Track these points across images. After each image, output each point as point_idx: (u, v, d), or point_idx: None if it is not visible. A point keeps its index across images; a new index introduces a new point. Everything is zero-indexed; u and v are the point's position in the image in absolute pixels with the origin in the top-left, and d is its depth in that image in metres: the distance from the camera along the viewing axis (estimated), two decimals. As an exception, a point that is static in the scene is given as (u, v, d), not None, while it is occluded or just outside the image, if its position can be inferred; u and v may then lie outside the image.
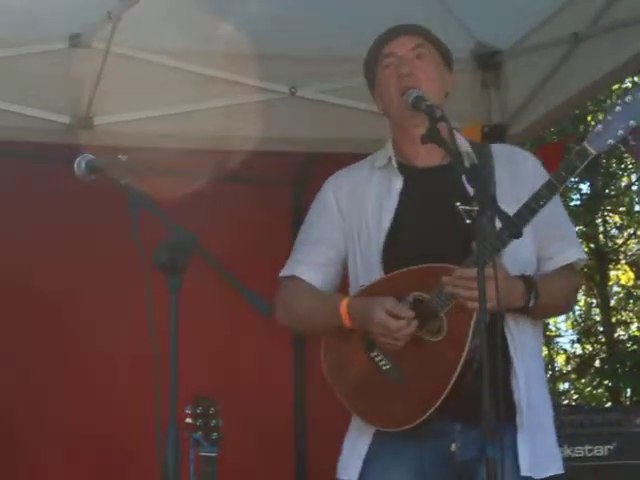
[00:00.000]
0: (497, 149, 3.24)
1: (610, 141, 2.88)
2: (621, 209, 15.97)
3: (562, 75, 4.80)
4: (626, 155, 13.41)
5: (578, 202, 15.31)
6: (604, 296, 15.85)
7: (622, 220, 16.01)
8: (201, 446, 3.80)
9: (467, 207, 2.65)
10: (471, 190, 2.71)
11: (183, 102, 4.77)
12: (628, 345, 15.41)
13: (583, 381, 16.74)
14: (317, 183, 3.35)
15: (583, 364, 16.46)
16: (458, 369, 2.89)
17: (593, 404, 15.51)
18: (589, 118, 12.84)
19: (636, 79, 13.43)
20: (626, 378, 13.98)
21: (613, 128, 2.88)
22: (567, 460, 4.83)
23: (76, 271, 5.28)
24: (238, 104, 4.83)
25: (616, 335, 15.85)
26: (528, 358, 3.01)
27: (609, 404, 14.86)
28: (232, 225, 5.38)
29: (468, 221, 2.66)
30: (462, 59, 4.80)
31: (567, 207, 14.96)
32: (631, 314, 16.52)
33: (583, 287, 16.91)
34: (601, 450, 4.93)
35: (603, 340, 16.08)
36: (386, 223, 3.09)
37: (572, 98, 4.88)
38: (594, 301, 16.86)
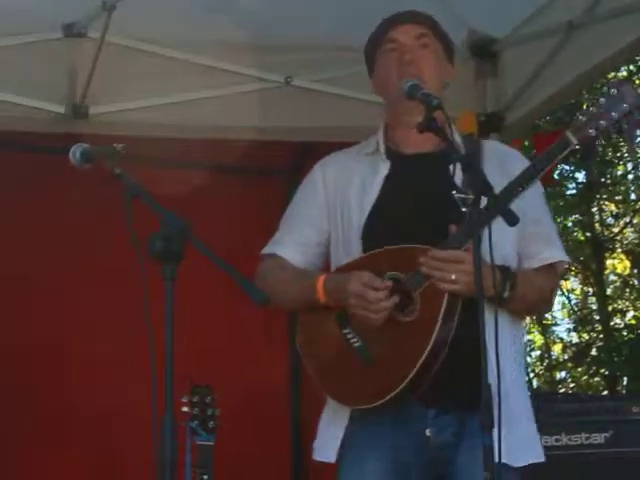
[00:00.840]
0: (489, 145, 3.26)
1: (592, 132, 2.89)
2: (617, 197, 15.99)
3: (558, 63, 4.80)
4: (622, 143, 13.42)
5: (574, 191, 15.35)
6: (600, 285, 15.89)
7: (618, 208, 16.03)
8: (198, 435, 3.81)
9: (462, 195, 2.66)
10: (459, 179, 2.74)
11: (178, 92, 4.75)
12: (624, 333, 15.45)
13: (579, 370, 16.78)
14: (312, 172, 3.35)
15: (579, 353, 16.50)
16: (426, 352, 2.89)
17: (589, 392, 15.53)
18: (585, 106, 12.84)
19: (631, 67, 13.46)
20: (622, 366, 14.02)
21: (596, 119, 2.89)
22: (564, 448, 4.89)
23: (74, 267, 5.27)
24: (233, 94, 4.82)
25: (612, 323, 15.90)
26: (502, 347, 2.82)
27: (605, 392, 14.89)
28: (227, 214, 5.38)
29: (463, 209, 2.67)
30: (456, 48, 4.78)
31: (563, 196, 15.01)
32: (627, 302, 16.56)
33: (579, 276, 16.98)
34: (598, 438, 4.93)
35: (599, 329, 16.13)
36: (368, 206, 3.11)
37: (567, 86, 4.88)
38: (590, 290, 16.90)
